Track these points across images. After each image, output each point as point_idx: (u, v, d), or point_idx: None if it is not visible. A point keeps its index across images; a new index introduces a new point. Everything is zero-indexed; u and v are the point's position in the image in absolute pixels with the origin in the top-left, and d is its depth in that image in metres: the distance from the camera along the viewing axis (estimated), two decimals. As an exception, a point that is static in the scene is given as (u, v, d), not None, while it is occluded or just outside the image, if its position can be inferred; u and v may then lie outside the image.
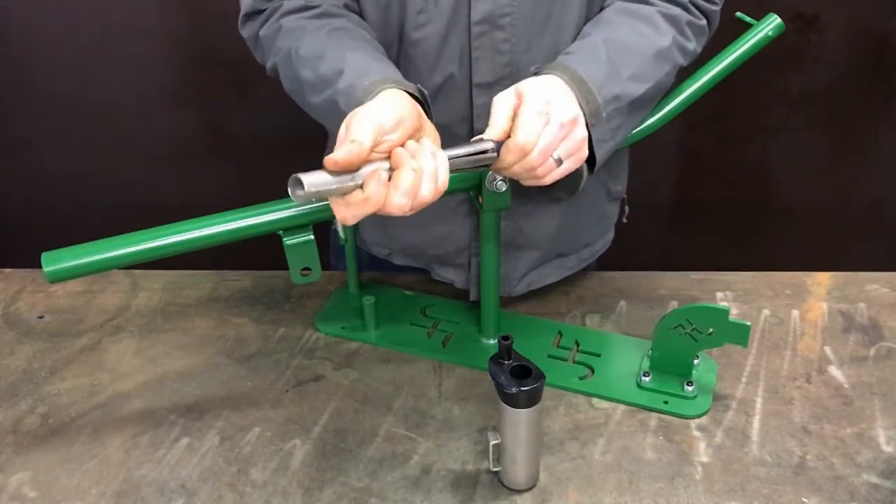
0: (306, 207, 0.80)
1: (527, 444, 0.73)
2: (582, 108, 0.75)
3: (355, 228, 1.00)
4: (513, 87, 0.74)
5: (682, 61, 0.87)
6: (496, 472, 0.77)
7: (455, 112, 0.87)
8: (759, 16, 1.00)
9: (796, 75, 1.65)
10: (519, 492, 0.76)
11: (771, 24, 0.99)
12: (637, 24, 0.83)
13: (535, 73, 0.78)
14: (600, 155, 0.80)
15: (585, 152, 0.76)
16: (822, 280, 1.06)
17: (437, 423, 0.85)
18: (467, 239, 0.96)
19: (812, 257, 1.82)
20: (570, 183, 0.83)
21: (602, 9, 0.88)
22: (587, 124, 0.76)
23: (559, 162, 0.74)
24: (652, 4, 0.86)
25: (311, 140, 1.08)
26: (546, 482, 0.77)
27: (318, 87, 0.79)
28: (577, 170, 0.77)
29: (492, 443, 0.74)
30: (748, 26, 1.00)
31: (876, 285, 1.05)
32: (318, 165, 1.15)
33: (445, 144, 0.89)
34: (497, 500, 0.75)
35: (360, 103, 0.71)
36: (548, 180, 0.75)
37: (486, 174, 0.80)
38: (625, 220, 1.10)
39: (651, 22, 0.84)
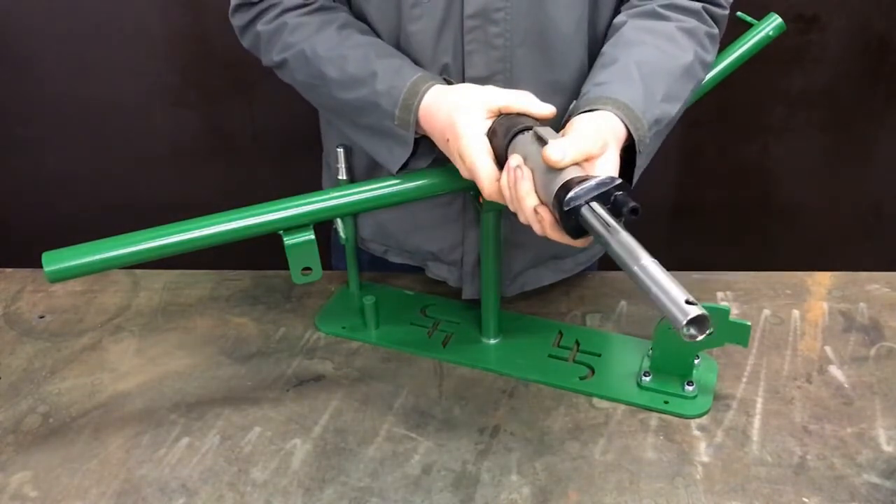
0: (306, 207, 0.80)
1: None
2: (631, 135, 0.75)
3: (356, 228, 1.00)
4: (598, 134, 0.71)
5: (703, 75, 0.86)
6: None
7: None
8: (760, 16, 1.00)
9: (796, 75, 1.64)
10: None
11: (772, 24, 0.99)
12: (660, 43, 0.82)
13: (580, 106, 0.77)
14: (636, 181, 0.79)
15: None
16: (822, 280, 1.06)
17: (437, 422, 0.85)
18: (460, 236, 0.96)
19: (812, 257, 1.82)
20: None
21: (612, 19, 0.87)
22: (636, 151, 0.76)
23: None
24: (668, 19, 0.84)
25: (311, 140, 1.08)
26: (546, 482, 0.77)
27: (349, 85, 0.83)
28: None
29: None
30: (749, 26, 1.00)
31: (876, 285, 1.05)
32: (318, 165, 1.15)
33: None
34: (497, 499, 0.75)
35: (406, 103, 0.79)
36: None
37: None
38: None
39: (672, 39, 0.83)
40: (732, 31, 0.99)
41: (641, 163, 0.78)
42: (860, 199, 1.80)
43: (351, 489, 0.77)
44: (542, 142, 0.67)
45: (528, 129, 0.71)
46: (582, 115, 0.75)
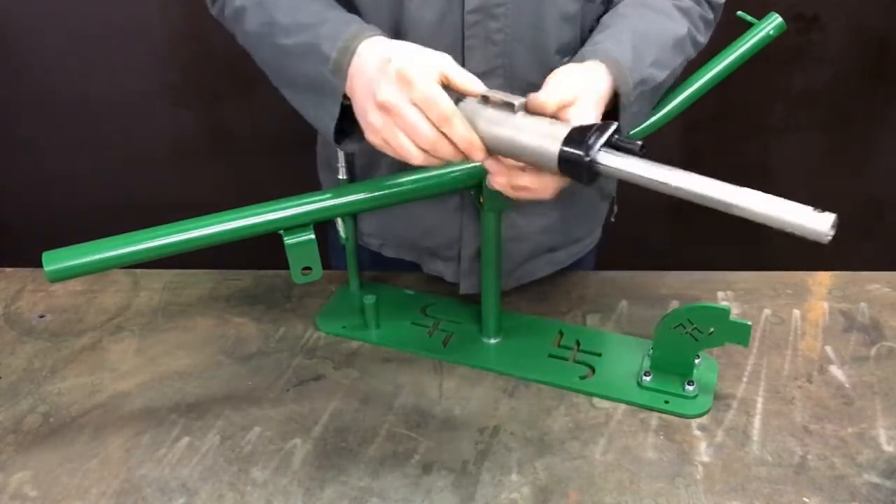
0: (306, 207, 0.80)
1: None
2: (616, 91, 0.76)
3: (356, 227, 1.00)
4: (578, 79, 0.73)
5: (693, 53, 0.88)
6: None
7: None
8: (760, 15, 1.00)
9: (796, 75, 1.65)
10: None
11: (772, 24, 0.99)
12: (654, 15, 0.85)
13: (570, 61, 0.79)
14: None
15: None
16: (823, 280, 1.06)
17: (437, 422, 0.85)
18: (458, 231, 0.96)
19: (812, 257, 1.81)
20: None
21: (605, 12, 0.88)
22: (619, 108, 0.77)
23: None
24: None
25: (311, 140, 1.08)
26: (547, 482, 0.77)
27: (294, 30, 0.78)
28: None
29: None
30: (749, 25, 1.00)
31: (877, 285, 1.05)
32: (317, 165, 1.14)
33: None
34: (497, 499, 0.75)
35: (345, 45, 0.72)
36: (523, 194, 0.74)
37: (488, 173, 0.80)
38: (613, 220, 1.10)
39: (667, 13, 0.85)
40: (732, 31, 0.99)
41: (625, 122, 0.78)
42: (860, 199, 1.80)
43: (351, 489, 0.77)
44: (509, 105, 0.67)
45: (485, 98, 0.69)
46: (563, 66, 0.76)
